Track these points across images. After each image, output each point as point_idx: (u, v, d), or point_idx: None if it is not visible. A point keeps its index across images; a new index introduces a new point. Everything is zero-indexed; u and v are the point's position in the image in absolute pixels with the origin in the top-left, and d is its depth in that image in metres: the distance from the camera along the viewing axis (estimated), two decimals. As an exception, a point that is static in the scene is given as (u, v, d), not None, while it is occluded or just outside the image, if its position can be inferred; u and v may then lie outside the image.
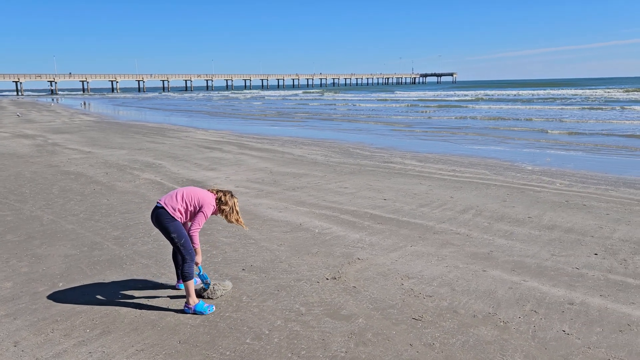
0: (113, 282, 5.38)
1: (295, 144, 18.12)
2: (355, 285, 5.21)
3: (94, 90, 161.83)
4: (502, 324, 4.37)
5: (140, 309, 4.73)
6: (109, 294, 5.08)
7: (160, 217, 4.63)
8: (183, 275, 4.63)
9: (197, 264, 4.79)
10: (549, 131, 21.93)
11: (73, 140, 20.22)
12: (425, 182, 10.70)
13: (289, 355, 3.90)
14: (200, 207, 4.67)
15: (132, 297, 5.00)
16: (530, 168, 12.52)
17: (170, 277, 5.46)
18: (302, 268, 5.74)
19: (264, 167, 12.99)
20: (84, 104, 65.94)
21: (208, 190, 4.86)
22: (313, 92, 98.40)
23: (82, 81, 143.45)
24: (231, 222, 4.89)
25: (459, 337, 4.16)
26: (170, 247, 5.90)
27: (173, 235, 4.60)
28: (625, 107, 35.77)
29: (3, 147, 18.10)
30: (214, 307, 4.70)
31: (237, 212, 4.87)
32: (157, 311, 4.68)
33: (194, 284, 4.74)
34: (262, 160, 14.12)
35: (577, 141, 18.30)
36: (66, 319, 4.55)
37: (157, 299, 4.95)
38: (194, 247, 4.72)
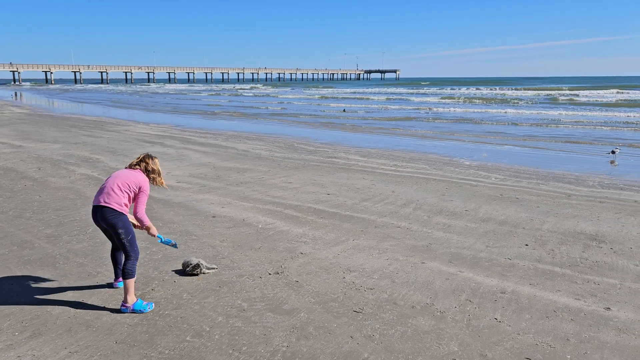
0: (45, 282, 5.14)
1: (240, 139, 17.93)
2: (298, 280, 5.24)
3: (27, 80, 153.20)
4: (439, 314, 4.52)
5: (75, 309, 4.55)
6: (41, 294, 4.86)
7: (105, 214, 4.47)
8: (125, 272, 4.49)
9: (154, 235, 4.75)
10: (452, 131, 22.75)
11: (2, 133, 19.10)
12: (368, 177, 10.87)
13: (230, 351, 3.88)
14: (139, 189, 4.60)
15: (66, 297, 4.80)
16: (468, 163, 12.98)
17: (108, 275, 5.28)
18: (244, 264, 5.70)
19: (207, 162, 12.78)
20: (16, 95, 62.39)
21: (132, 168, 4.73)
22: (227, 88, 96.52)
23: (13, 71, 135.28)
24: (156, 184, 4.85)
25: (398, 327, 4.27)
26: (109, 245, 5.72)
27: (120, 230, 4.47)
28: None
29: None
30: (153, 305, 4.60)
31: (159, 174, 4.84)
32: (93, 311, 4.52)
33: (133, 282, 4.62)
34: (205, 155, 13.88)
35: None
36: (-7, 322, 4.31)
37: (92, 298, 4.77)
38: (146, 224, 4.65)
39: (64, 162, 12.59)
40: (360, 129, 22.41)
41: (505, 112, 31.75)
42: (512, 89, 69.46)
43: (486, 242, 6.53)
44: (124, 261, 4.54)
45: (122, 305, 4.53)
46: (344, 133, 20.87)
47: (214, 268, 5.44)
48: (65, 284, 5.10)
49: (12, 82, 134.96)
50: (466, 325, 4.31)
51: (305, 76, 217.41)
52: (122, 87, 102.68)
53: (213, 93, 70.04)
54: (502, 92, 63.08)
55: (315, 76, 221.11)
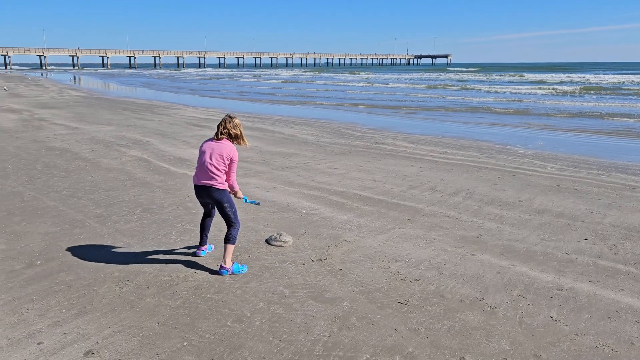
0: (93, 262, 5.23)
1: (287, 123, 17.90)
2: (341, 268, 5.10)
3: (84, 65, 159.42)
4: (489, 309, 4.28)
5: (120, 288, 4.59)
6: (88, 273, 4.94)
7: (212, 193, 4.84)
8: (229, 238, 4.91)
9: (240, 197, 5.15)
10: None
11: (60, 115, 19.85)
12: (416, 164, 10.58)
13: (270, 338, 3.79)
14: (231, 160, 4.86)
15: (111, 276, 4.86)
16: (522, 151, 12.43)
17: (153, 255, 5.32)
18: (287, 249, 5.61)
19: (254, 146, 12.79)
20: (74, 78, 64.93)
21: (218, 139, 4.85)
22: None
23: (72, 56, 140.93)
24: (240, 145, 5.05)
25: (445, 322, 4.07)
26: (155, 226, 5.79)
27: (225, 204, 4.87)
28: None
29: (-12, 121, 17.73)
30: (247, 267, 5.04)
31: (242, 134, 4.98)
32: (137, 291, 4.54)
33: (233, 248, 5.00)
34: (251, 139, 13.90)
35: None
36: (42, 298, 4.41)
37: (137, 278, 4.81)
38: (235, 189, 5.01)
39: (116, 144, 12.92)
40: (409, 116, 21.95)
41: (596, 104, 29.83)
42: (586, 76, 62.70)
43: (541, 234, 6.18)
44: (228, 229, 4.93)
45: (221, 267, 4.91)
46: (391, 119, 20.49)
47: (285, 242, 5.77)
48: (111, 264, 5.17)
49: (72, 67, 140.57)
50: (519, 323, 4.06)
51: (353, 61, 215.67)
52: (162, 72, 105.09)
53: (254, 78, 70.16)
54: (584, 78, 59.27)
55: (364, 61, 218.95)
